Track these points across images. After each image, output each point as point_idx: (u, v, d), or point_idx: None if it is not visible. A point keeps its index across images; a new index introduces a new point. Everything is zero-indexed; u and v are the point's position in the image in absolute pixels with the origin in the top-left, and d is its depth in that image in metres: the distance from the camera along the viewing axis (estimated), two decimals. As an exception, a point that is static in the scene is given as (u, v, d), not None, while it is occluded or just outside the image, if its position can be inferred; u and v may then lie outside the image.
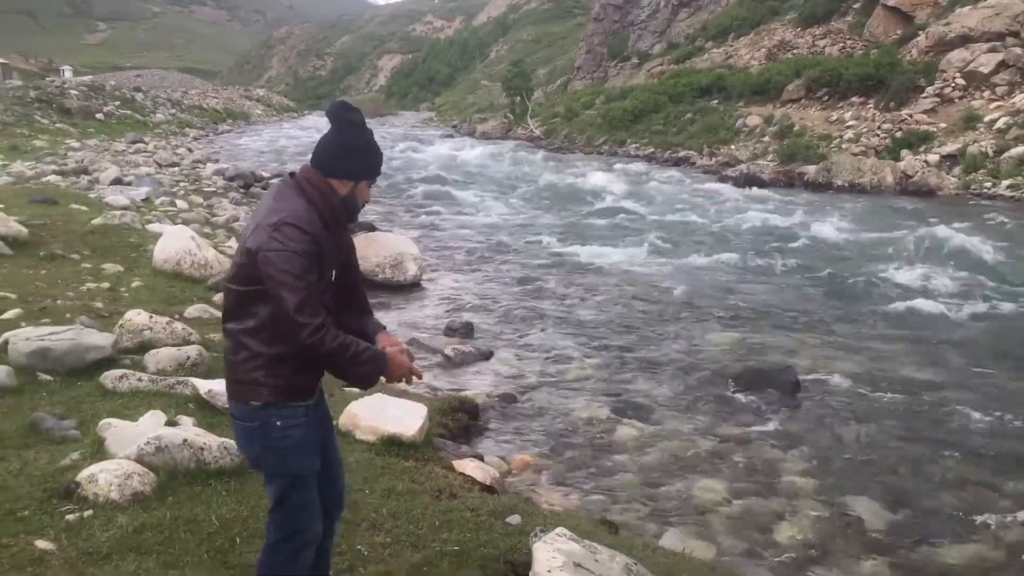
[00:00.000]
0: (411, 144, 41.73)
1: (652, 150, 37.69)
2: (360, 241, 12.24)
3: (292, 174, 3.04)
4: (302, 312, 2.79)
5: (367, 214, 15.46)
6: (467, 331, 10.02)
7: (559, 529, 3.85)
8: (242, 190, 22.54)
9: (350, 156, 3.02)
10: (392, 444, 5.79)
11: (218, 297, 9.69)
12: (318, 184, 2.97)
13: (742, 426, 7.46)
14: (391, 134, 53.34)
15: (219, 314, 9.11)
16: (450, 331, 10.02)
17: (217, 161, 29.81)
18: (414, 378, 3.16)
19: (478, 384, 8.30)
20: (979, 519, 5.75)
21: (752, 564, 5.15)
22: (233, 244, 13.41)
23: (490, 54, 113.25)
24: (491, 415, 7.58)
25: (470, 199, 22.67)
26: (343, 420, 5.87)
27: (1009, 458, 6.72)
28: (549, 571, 3.41)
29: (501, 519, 4.78)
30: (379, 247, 12.67)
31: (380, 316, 10.95)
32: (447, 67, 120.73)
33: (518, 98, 56.73)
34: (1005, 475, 6.40)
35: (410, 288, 12.37)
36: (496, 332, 10.28)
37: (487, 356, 9.23)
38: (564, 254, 15.36)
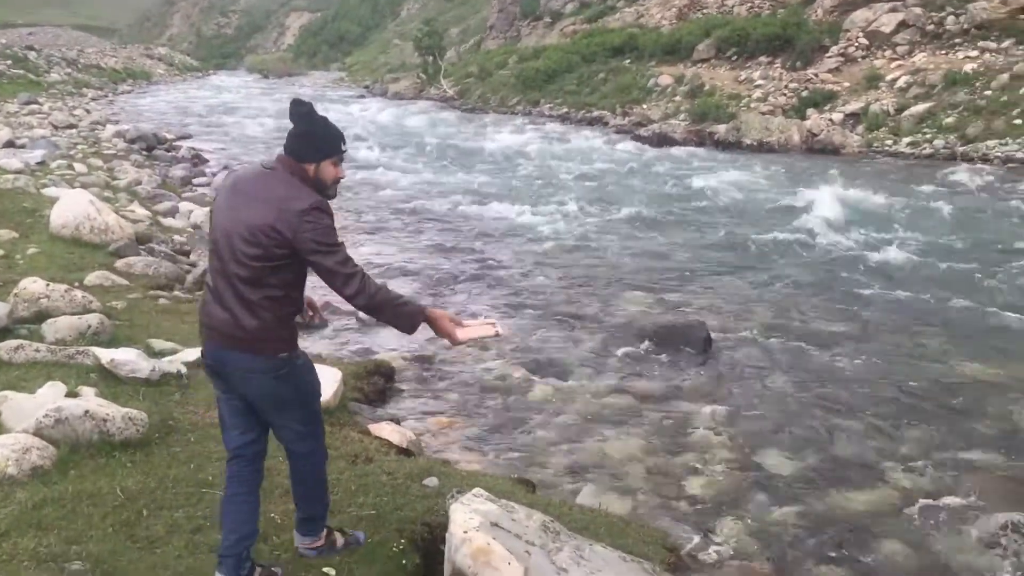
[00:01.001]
0: (322, 105, 40.88)
1: (566, 110, 37.73)
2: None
3: (263, 164, 3.47)
4: (346, 266, 3.32)
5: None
6: (381, 294, 9.88)
7: (476, 489, 3.84)
8: (144, 152, 21.75)
9: (305, 141, 3.42)
10: (306, 410, 5.68)
11: (121, 263, 9.34)
12: (298, 170, 3.40)
13: (656, 382, 7.57)
14: (301, 95, 52.13)
15: (123, 281, 8.77)
16: (364, 294, 9.87)
17: (117, 122, 28.65)
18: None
19: (394, 346, 8.22)
20: (882, 465, 5.95)
21: (666, 516, 5.23)
22: (136, 208, 12.93)
23: (401, 12, 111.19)
24: (407, 377, 7.52)
25: (383, 160, 22.35)
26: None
27: (911, 406, 6.98)
28: (466, 532, 3.39)
29: (418, 482, 4.74)
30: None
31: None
32: (358, 26, 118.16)
33: (431, 58, 56.01)
34: (908, 422, 6.64)
35: (322, 251, 12.11)
36: (410, 294, 10.17)
37: (402, 318, 9.12)
38: (479, 215, 15.29)
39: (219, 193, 3.50)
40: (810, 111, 27.79)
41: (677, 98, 33.52)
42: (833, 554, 4.88)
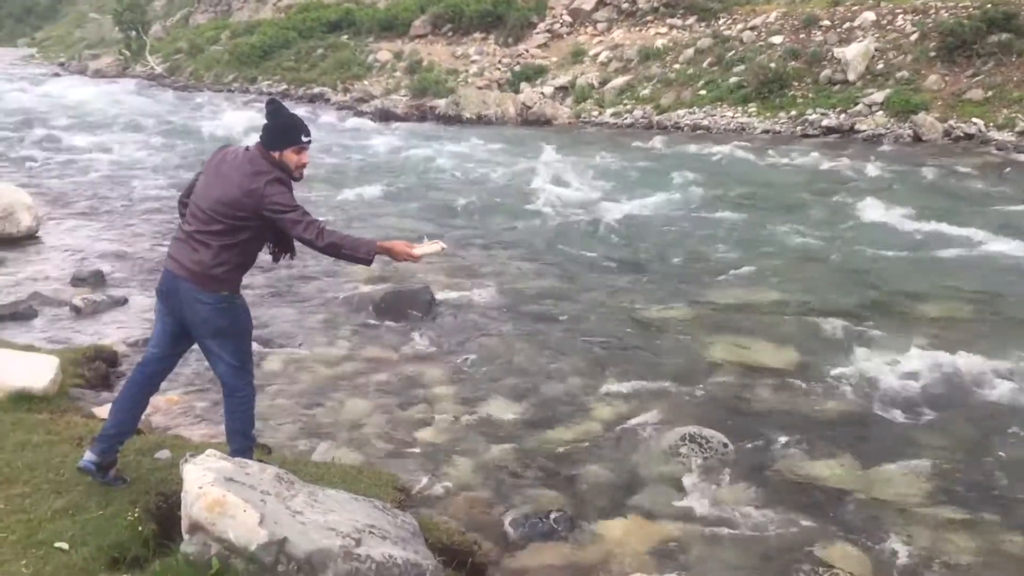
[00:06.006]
0: (17, 85, 37.32)
1: (285, 87, 36.98)
2: (-41, 192, 11.07)
3: (247, 147, 4.31)
4: (304, 217, 4.10)
5: None
6: (97, 280, 9.50)
7: (209, 450, 3.97)
8: None
9: (271, 132, 4.24)
10: (22, 399, 5.50)
11: None
12: (266, 155, 4.21)
13: (386, 347, 7.89)
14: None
15: None
16: (78, 281, 9.44)
17: None
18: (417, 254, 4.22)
19: (114, 332, 7.97)
20: (587, 401, 6.67)
21: (398, 463, 5.60)
22: None
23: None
24: (132, 361, 7.32)
25: (89, 142, 20.94)
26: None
27: (613, 349, 7.82)
28: (200, 487, 3.54)
29: (149, 456, 4.79)
30: (-16, 198, 11.45)
31: (-7, 272, 9.83)
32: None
33: (134, 33, 52.57)
34: (608, 363, 7.43)
35: (26, 240, 11.34)
36: (129, 279, 9.84)
37: (121, 303, 8.85)
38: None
39: (208, 163, 4.33)
40: (523, 85, 29.21)
41: (397, 74, 33.92)
42: (545, 480, 5.47)
